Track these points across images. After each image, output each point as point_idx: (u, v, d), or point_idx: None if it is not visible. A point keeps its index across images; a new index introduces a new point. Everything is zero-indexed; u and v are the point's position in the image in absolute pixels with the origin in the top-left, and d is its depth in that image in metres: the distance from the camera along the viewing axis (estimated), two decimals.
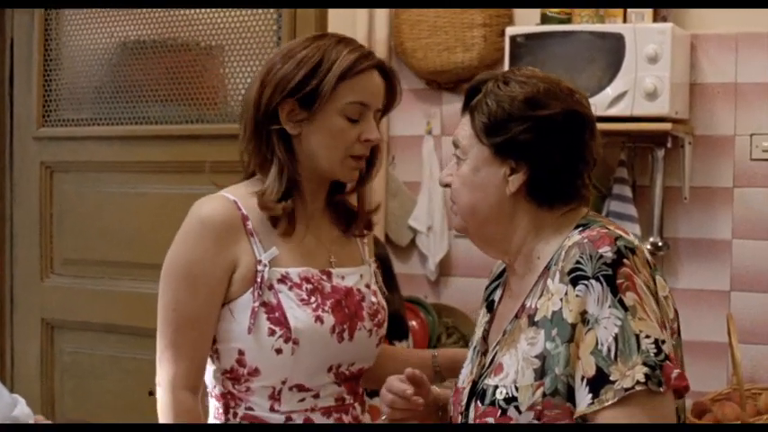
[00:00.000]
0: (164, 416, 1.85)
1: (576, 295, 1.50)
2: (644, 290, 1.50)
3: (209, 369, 1.89)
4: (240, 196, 1.87)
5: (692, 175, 3.38)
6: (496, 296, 1.77)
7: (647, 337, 1.47)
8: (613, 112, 3.19)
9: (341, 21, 3.31)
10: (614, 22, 3.33)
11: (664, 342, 1.48)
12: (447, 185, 1.71)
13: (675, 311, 1.60)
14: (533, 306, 1.58)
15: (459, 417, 1.67)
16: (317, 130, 1.85)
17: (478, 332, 1.75)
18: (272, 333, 1.81)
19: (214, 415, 1.91)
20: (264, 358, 1.82)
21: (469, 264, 3.69)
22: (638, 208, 3.38)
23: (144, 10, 3.27)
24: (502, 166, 1.62)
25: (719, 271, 3.40)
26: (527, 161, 1.60)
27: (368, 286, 1.95)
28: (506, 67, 3.34)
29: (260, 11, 3.09)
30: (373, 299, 1.95)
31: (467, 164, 1.66)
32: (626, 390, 1.44)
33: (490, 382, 1.59)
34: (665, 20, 3.31)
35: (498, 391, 1.56)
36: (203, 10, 3.18)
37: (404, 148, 3.82)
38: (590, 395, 1.47)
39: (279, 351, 1.81)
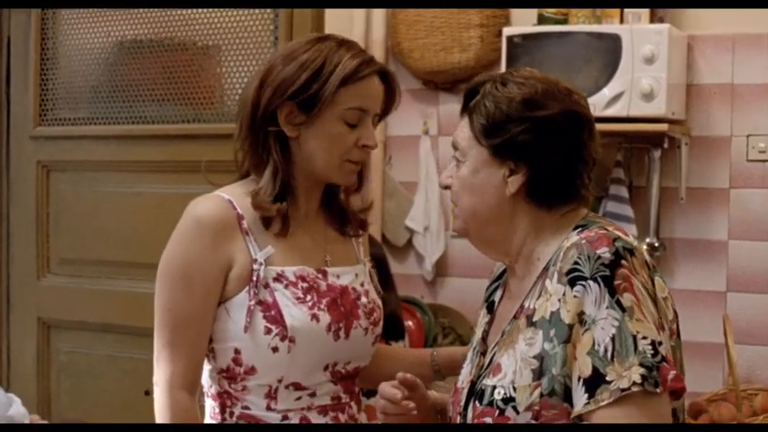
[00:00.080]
0: (161, 416, 1.84)
1: (574, 296, 1.50)
2: (641, 291, 1.50)
3: (206, 368, 1.89)
4: (235, 196, 1.87)
5: (689, 175, 3.38)
6: (496, 297, 1.77)
7: (644, 338, 1.47)
8: (610, 112, 3.19)
9: (338, 21, 3.31)
10: (611, 22, 3.33)
11: (660, 343, 1.48)
12: (447, 187, 1.71)
13: (675, 312, 1.60)
14: (532, 307, 1.58)
15: (458, 417, 1.67)
16: (315, 133, 1.85)
17: (478, 333, 1.76)
18: (269, 331, 1.81)
19: (210, 414, 1.91)
20: (261, 357, 1.82)
21: (466, 264, 3.69)
22: (634, 209, 3.38)
23: (141, 10, 3.27)
24: (501, 167, 1.62)
25: (716, 272, 3.40)
26: (526, 162, 1.60)
27: (363, 285, 1.96)
28: (503, 67, 3.35)
29: (257, 11, 3.09)
30: (368, 297, 1.95)
31: (466, 166, 1.66)
32: (622, 390, 1.45)
33: (488, 382, 1.59)
34: (661, 21, 3.31)
35: (496, 391, 1.56)
36: (200, 10, 3.18)
37: (401, 149, 3.82)
38: (586, 395, 1.47)
39: (275, 349, 1.81)
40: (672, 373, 1.47)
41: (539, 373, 1.52)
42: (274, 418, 1.85)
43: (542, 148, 1.59)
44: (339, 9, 3.41)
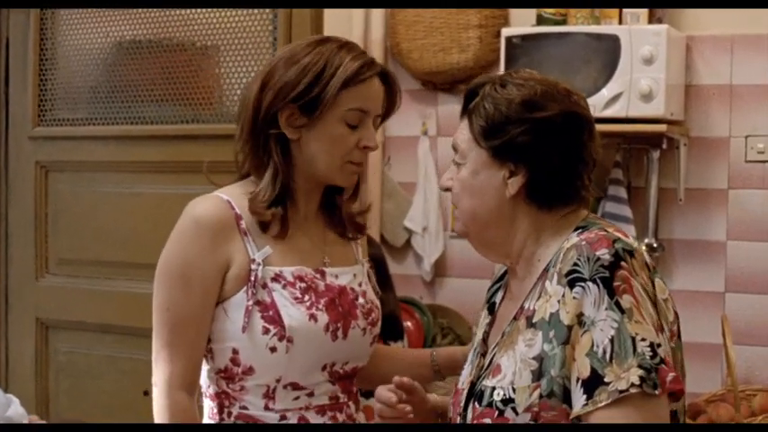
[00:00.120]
0: (160, 416, 1.84)
1: (573, 297, 1.50)
2: (641, 293, 1.50)
3: (204, 368, 1.89)
4: (234, 196, 1.87)
5: (687, 176, 3.38)
6: (498, 298, 1.77)
7: (643, 339, 1.46)
8: (609, 113, 3.20)
9: (337, 21, 3.31)
10: (610, 23, 3.34)
11: (659, 345, 1.47)
12: (447, 190, 1.71)
13: (676, 314, 1.59)
14: (531, 308, 1.58)
15: (458, 418, 1.67)
16: (316, 135, 1.85)
17: (479, 334, 1.76)
18: (267, 331, 1.81)
19: (209, 415, 1.91)
20: (259, 357, 1.82)
21: (465, 264, 3.69)
22: (632, 209, 3.38)
23: (139, 10, 3.27)
24: (501, 169, 1.62)
25: (714, 272, 3.41)
26: (525, 163, 1.60)
27: (361, 285, 1.96)
28: (502, 68, 3.35)
29: (255, 11, 3.09)
30: (366, 298, 1.95)
31: (466, 168, 1.66)
32: (620, 392, 1.44)
33: (488, 383, 1.59)
34: (660, 21, 3.32)
35: (496, 392, 1.56)
36: (199, 10, 3.18)
37: (399, 149, 3.83)
38: (584, 396, 1.47)
39: (273, 349, 1.81)
40: (670, 375, 1.47)
41: (538, 375, 1.52)
42: (272, 418, 1.85)
43: (542, 149, 1.59)
44: (338, 9, 3.41)
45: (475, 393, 1.62)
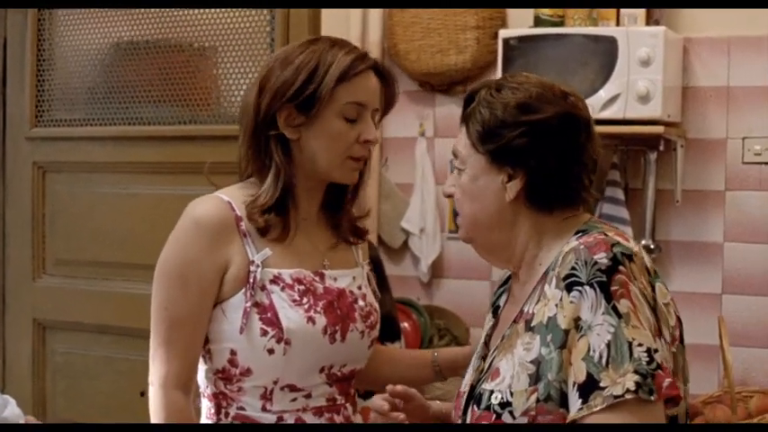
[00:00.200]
0: (155, 415, 1.85)
1: (571, 301, 1.50)
2: (639, 297, 1.49)
3: (202, 369, 1.90)
4: (234, 197, 1.87)
5: (684, 178, 3.38)
6: (502, 301, 1.77)
7: (640, 345, 1.46)
8: (606, 114, 3.20)
9: (334, 22, 3.31)
10: (607, 25, 3.34)
11: (656, 351, 1.47)
12: (450, 196, 1.71)
13: (678, 318, 1.58)
14: (531, 311, 1.58)
15: (459, 421, 1.67)
16: (316, 133, 1.85)
17: (482, 336, 1.76)
18: (265, 333, 1.81)
19: (206, 415, 1.91)
20: (256, 358, 1.83)
21: (462, 266, 3.69)
22: (630, 211, 3.38)
23: (137, 11, 3.27)
24: (499, 173, 1.62)
25: (711, 274, 3.41)
26: (523, 167, 1.60)
27: (360, 288, 1.96)
28: (499, 69, 3.35)
29: (253, 12, 3.09)
30: (366, 301, 1.95)
31: (466, 173, 1.66)
32: (615, 397, 1.44)
33: (487, 386, 1.59)
34: (657, 23, 3.32)
35: (494, 395, 1.56)
36: (196, 11, 3.18)
37: (396, 150, 3.83)
38: (580, 401, 1.46)
39: (271, 351, 1.81)
40: (667, 381, 1.46)
41: (535, 379, 1.51)
42: (269, 420, 1.86)
43: (538, 151, 1.59)
44: (335, 10, 3.41)
45: (474, 396, 1.62)
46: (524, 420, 1.52)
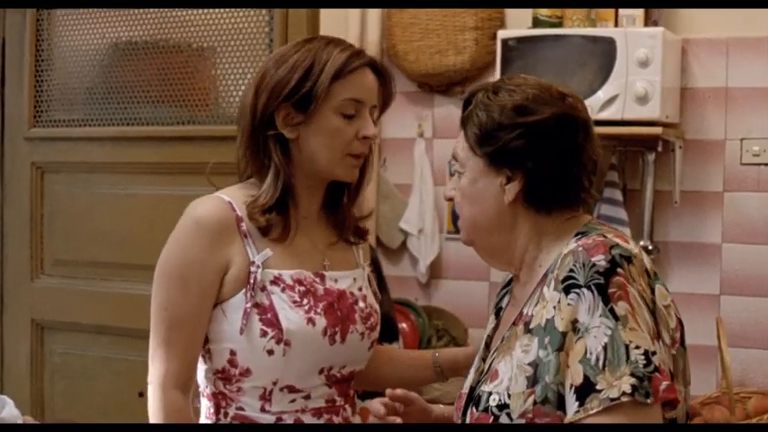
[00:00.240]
0: (154, 414, 1.85)
1: (568, 303, 1.50)
2: (637, 300, 1.49)
3: (201, 369, 1.90)
4: (235, 198, 1.87)
5: (683, 178, 3.38)
6: (504, 303, 1.77)
7: (637, 347, 1.45)
8: (604, 115, 3.19)
9: (333, 22, 3.31)
10: (606, 26, 3.34)
11: (654, 353, 1.46)
12: (451, 199, 1.71)
13: (679, 320, 1.57)
14: (529, 313, 1.58)
15: (459, 422, 1.67)
16: (314, 131, 1.85)
17: (484, 338, 1.76)
18: (264, 334, 1.81)
19: (205, 415, 1.92)
20: (256, 359, 1.83)
21: (460, 266, 3.69)
22: (628, 212, 3.38)
23: (136, 11, 3.27)
24: (498, 175, 1.62)
25: (709, 275, 3.41)
26: (521, 169, 1.60)
27: (361, 290, 1.96)
28: (498, 70, 3.35)
29: (252, 12, 3.09)
30: (366, 302, 1.95)
31: (465, 176, 1.66)
32: (612, 400, 1.43)
33: (485, 388, 1.59)
34: (656, 24, 3.32)
35: (492, 397, 1.56)
36: (195, 11, 3.18)
37: (395, 151, 3.83)
38: (576, 403, 1.46)
39: (270, 352, 1.82)
40: (664, 384, 1.45)
41: (533, 381, 1.51)
42: (268, 420, 1.86)
43: (535, 153, 1.59)
44: (334, 11, 3.41)
45: (473, 398, 1.62)
46: (521, 422, 1.51)
